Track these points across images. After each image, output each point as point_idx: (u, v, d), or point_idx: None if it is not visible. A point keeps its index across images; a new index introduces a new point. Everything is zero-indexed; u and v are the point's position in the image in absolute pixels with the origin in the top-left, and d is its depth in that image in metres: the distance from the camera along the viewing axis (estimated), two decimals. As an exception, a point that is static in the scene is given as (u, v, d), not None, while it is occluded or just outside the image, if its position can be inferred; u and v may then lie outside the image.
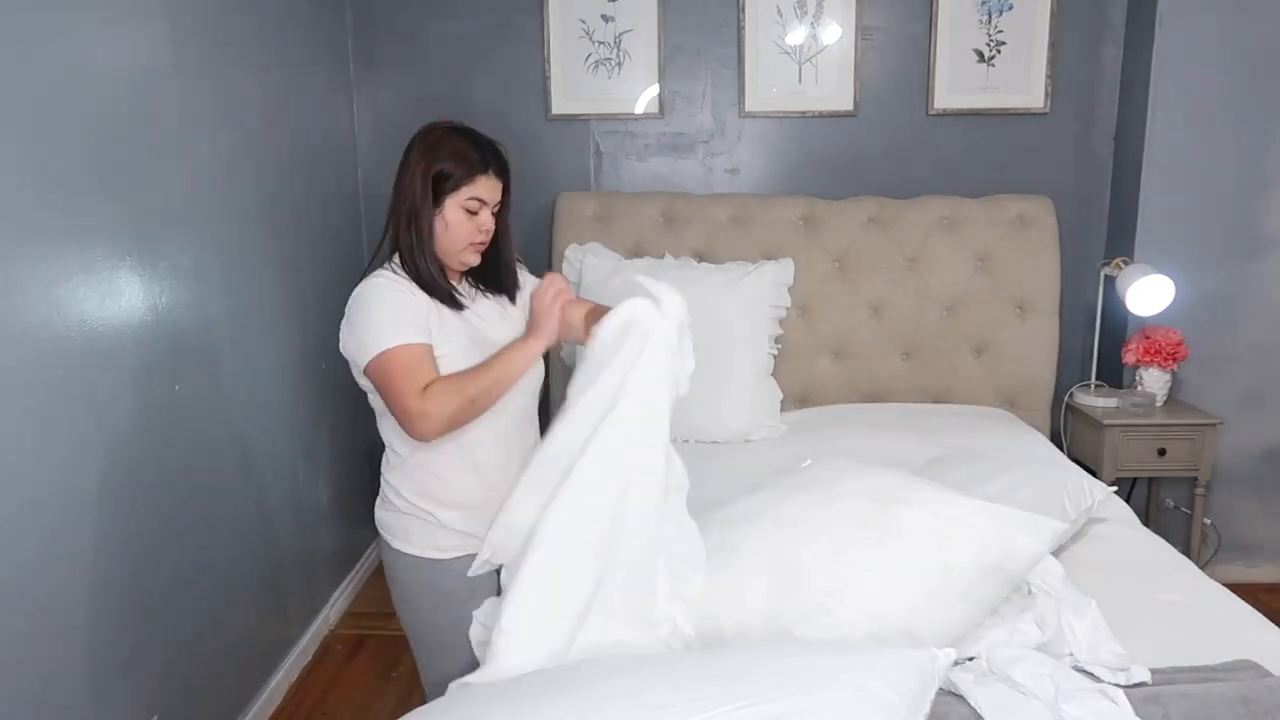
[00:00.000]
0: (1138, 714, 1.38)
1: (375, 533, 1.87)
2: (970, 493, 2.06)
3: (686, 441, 2.81)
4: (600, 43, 3.30)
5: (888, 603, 1.60)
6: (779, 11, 3.25)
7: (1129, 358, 3.10)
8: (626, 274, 2.91)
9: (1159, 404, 3.09)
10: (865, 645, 1.53)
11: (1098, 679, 1.47)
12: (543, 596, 1.60)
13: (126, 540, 1.99)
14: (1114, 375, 3.26)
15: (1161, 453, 2.97)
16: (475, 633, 1.75)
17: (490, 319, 1.82)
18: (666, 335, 1.64)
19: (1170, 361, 3.03)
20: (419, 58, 3.35)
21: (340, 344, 1.73)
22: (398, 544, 1.82)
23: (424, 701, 2.00)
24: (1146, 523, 2.52)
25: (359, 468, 3.28)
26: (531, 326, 1.77)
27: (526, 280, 1.92)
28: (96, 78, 1.92)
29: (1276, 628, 1.76)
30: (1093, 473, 2.79)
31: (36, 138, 1.73)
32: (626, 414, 1.62)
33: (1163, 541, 2.20)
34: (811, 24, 3.25)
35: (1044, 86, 3.25)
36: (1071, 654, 1.56)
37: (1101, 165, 3.33)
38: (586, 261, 3.03)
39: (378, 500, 1.87)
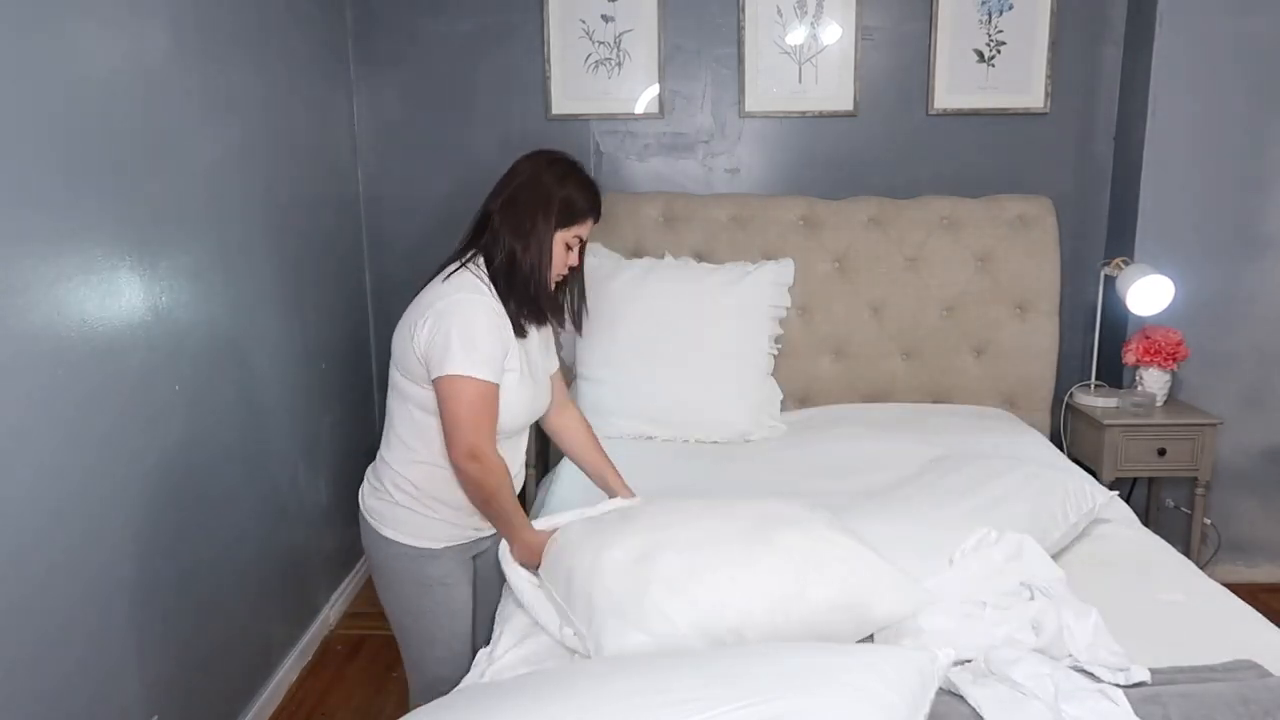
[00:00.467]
0: (1137, 714, 1.38)
1: (375, 533, 1.88)
2: (970, 496, 2.06)
3: (686, 441, 2.81)
4: (600, 43, 3.30)
5: (729, 595, 1.55)
6: (779, 11, 3.25)
7: (1129, 358, 3.10)
8: (625, 275, 2.92)
9: (1159, 404, 3.09)
10: (866, 645, 1.53)
11: (1097, 679, 1.47)
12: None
13: (126, 540, 1.99)
14: (1114, 375, 3.26)
15: (1161, 453, 2.97)
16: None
17: (535, 347, 1.91)
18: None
19: (1170, 361, 3.03)
20: (419, 58, 3.35)
21: (409, 337, 1.75)
22: (387, 531, 1.84)
23: (409, 695, 2.00)
24: (1146, 523, 2.51)
25: (359, 468, 3.24)
26: (525, 554, 1.80)
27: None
28: (97, 78, 1.92)
29: (1276, 628, 1.76)
30: (1093, 473, 2.79)
31: (37, 138, 1.73)
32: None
33: (1163, 541, 2.19)
34: (811, 24, 3.25)
35: (1044, 86, 3.25)
36: (1071, 655, 1.56)
37: (1101, 165, 3.33)
38: (586, 261, 3.02)
39: (366, 488, 1.89)
